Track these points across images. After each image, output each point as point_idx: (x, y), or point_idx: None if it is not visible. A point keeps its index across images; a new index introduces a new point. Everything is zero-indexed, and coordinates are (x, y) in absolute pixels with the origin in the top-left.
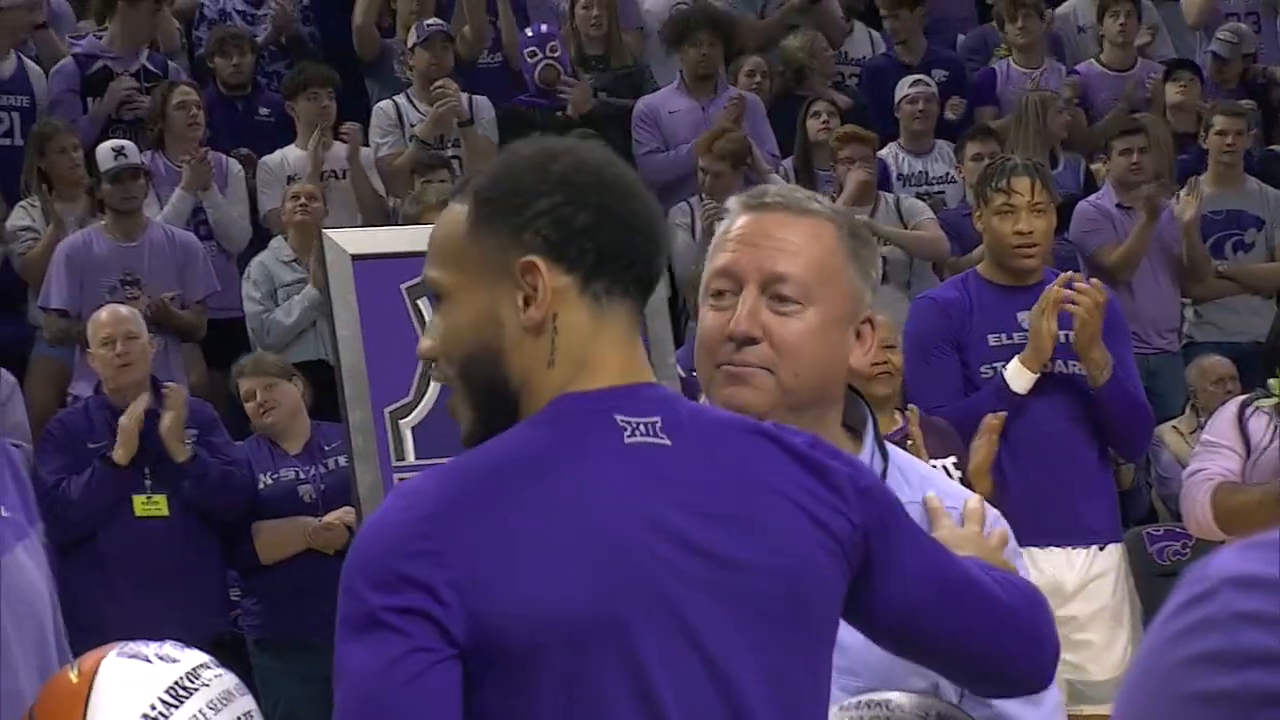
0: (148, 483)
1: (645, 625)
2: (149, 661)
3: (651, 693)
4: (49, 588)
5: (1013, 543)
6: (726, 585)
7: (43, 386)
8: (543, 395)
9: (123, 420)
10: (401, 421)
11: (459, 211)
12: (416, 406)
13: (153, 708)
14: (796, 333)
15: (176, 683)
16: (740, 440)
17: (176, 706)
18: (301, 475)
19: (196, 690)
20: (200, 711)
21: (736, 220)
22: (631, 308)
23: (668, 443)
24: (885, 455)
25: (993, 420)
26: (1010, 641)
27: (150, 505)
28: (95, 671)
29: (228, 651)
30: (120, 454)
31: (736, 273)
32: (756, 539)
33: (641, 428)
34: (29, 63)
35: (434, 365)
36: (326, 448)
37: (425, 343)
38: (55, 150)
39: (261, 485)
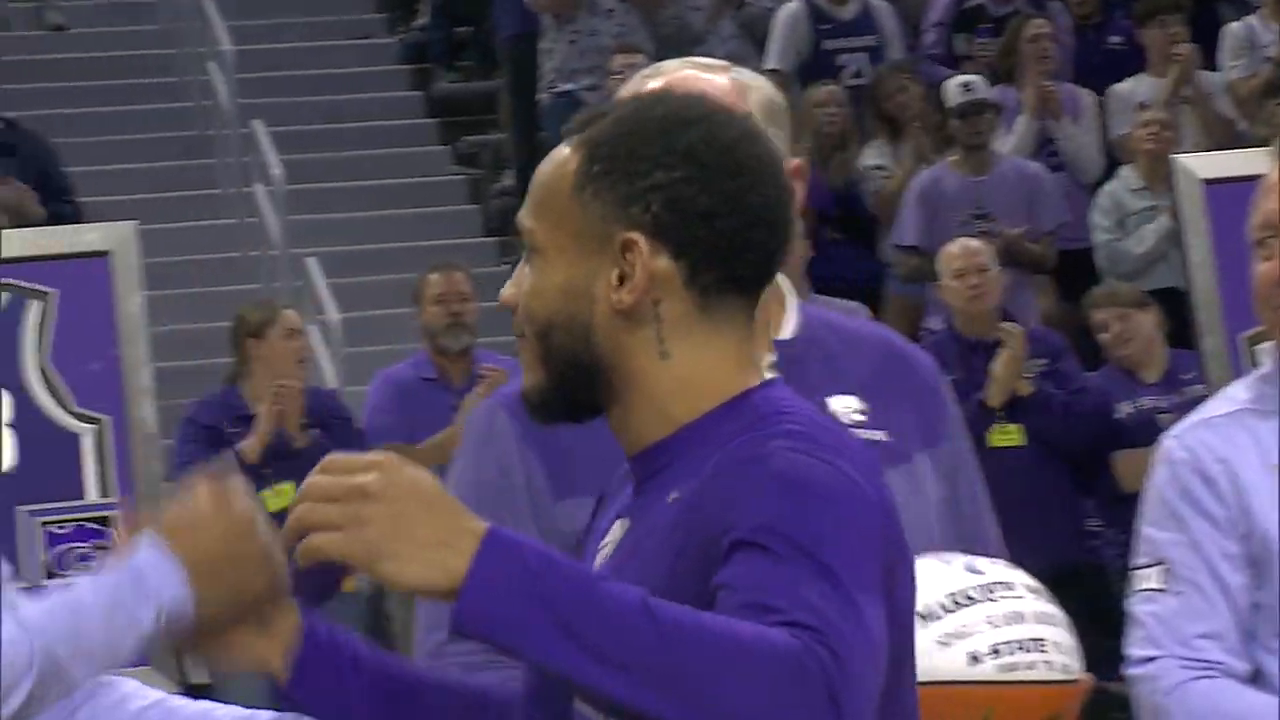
0: (999, 414)
1: None
2: (948, 564)
3: None
4: (929, 515)
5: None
6: None
7: (897, 323)
8: (665, 390)
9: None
10: (1256, 348)
11: (568, 159)
12: None
13: (926, 606)
14: None
15: (961, 591)
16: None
17: (951, 611)
18: (1161, 404)
19: (980, 603)
20: (974, 623)
21: (1272, 170)
22: (745, 303)
23: None
24: None
25: None
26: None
27: (1005, 436)
28: None
29: (1085, 582)
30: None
31: (1273, 221)
32: None
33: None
34: (874, 2)
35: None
36: (1184, 376)
37: (508, 290)
38: (894, 89)
39: (1121, 415)
